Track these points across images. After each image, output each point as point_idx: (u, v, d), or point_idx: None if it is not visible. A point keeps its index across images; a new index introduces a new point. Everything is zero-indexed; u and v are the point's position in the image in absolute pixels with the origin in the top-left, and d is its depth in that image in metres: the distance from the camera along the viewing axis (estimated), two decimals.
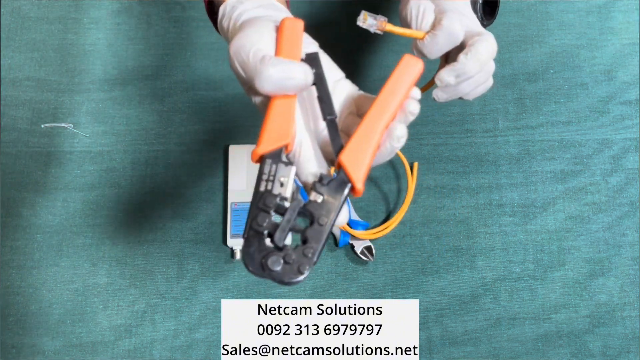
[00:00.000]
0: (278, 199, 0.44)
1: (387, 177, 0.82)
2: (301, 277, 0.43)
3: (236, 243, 0.77)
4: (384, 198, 0.81)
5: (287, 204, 0.45)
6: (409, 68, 0.47)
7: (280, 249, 0.44)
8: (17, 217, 0.80)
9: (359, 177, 0.45)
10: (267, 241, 0.44)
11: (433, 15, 0.58)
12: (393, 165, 0.83)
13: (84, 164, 0.83)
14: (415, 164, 0.82)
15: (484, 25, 0.66)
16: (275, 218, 0.45)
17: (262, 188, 0.44)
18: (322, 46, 0.91)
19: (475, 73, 0.58)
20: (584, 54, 0.88)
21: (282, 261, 0.43)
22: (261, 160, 0.45)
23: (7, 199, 0.81)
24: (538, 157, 0.83)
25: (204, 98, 0.86)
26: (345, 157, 0.45)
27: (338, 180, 0.45)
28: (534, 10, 0.91)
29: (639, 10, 0.91)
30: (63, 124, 0.85)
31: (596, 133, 0.84)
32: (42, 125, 0.85)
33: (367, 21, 0.58)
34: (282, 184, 0.45)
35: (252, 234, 0.44)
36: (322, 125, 0.49)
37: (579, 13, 0.91)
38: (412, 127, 0.87)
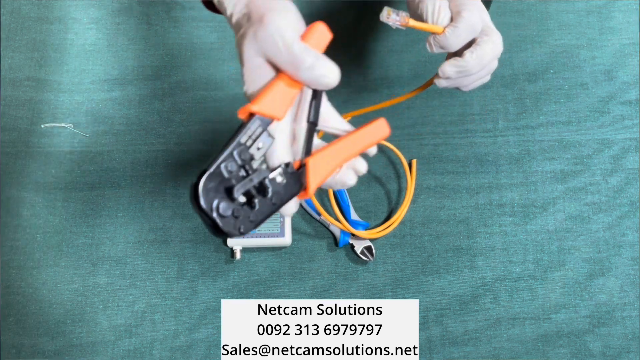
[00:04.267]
0: (249, 157, 0.47)
1: (387, 177, 0.82)
2: (237, 235, 0.46)
3: (236, 243, 0.77)
4: (384, 198, 0.81)
5: (255, 166, 0.48)
6: (381, 130, 0.53)
7: (232, 200, 0.46)
8: (17, 217, 0.80)
9: (314, 183, 0.49)
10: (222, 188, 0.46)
11: (449, 12, 0.60)
12: (393, 165, 0.83)
13: (84, 164, 0.83)
14: (414, 162, 0.82)
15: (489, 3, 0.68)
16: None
17: (243, 140, 0.47)
18: None
19: (476, 72, 0.60)
20: (584, 54, 0.88)
21: (231, 212, 0.46)
22: (249, 116, 0.47)
23: (7, 199, 0.81)
24: (538, 157, 0.83)
25: (204, 98, 0.86)
26: (312, 162, 0.49)
27: (296, 176, 0.49)
28: (534, 10, 0.91)
29: (639, 10, 0.91)
30: (63, 124, 0.85)
31: (596, 133, 0.84)
32: (42, 125, 0.85)
33: (391, 17, 0.59)
34: (258, 149, 0.48)
35: (216, 173, 0.45)
36: (302, 125, 0.51)
37: (579, 13, 0.91)
38: (412, 127, 0.88)
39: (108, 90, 0.87)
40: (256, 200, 0.47)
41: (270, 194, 0.47)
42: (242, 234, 0.47)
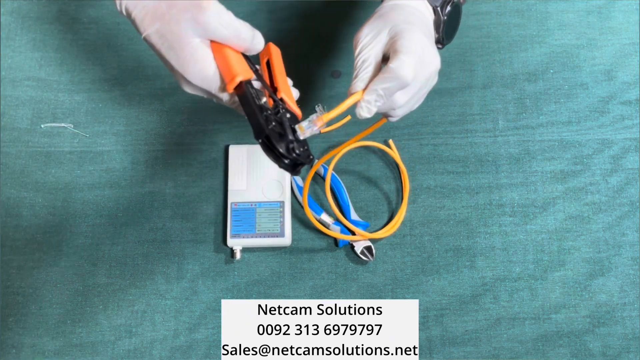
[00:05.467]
0: (269, 112, 0.57)
1: (386, 177, 0.82)
2: (311, 162, 0.57)
3: (236, 243, 0.77)
4: (384, 198, 0.81)
5: (283, 115, 0.58)
6: (278, 51, 0.64)
7: (291, 141, 0.55)
8: (17, 217, 0.80)
9: (296, 107, 0.60)
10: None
11: (370, 73, 0.59)
12: (392, 165, 0.83)
13: (84, 164, 0.83)
14: (390, 141, 0.82)
15: (444, 45, 0.66)
16: None
17: (257, 102, 0.56)
18: (321, 44, 0.91)
19: (389, 110, 0.61)
20: (584, 54, 0.88)
21: (299, 148, 0.56)
22: (239, 86, 0.57)
23: (7, 199, 0.81)
24: (538, 157, 0.83)
25: (204, 98, 0.86)
26: (283, 95, 0.60)
27: (284, 109, 0.59)
28: (534, 10, 0.91)
29: (639, 10, 0.91)
30: (63, 124, 0.85)
31: (596, 133, 0.84)
32: (42, 125, 0.85)
33: (306, 131, 0.57)
34: (264, 102, 0.58)
35: (271, 130, 0.55)
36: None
37: (579, 13, 0.91)
38: (412, 127, 0.88)
39: (108, 90, 0.87)
40: (296, 134, 0.56)
41: (294, 129, 0.57)
42: (312, 159, 0.57)
